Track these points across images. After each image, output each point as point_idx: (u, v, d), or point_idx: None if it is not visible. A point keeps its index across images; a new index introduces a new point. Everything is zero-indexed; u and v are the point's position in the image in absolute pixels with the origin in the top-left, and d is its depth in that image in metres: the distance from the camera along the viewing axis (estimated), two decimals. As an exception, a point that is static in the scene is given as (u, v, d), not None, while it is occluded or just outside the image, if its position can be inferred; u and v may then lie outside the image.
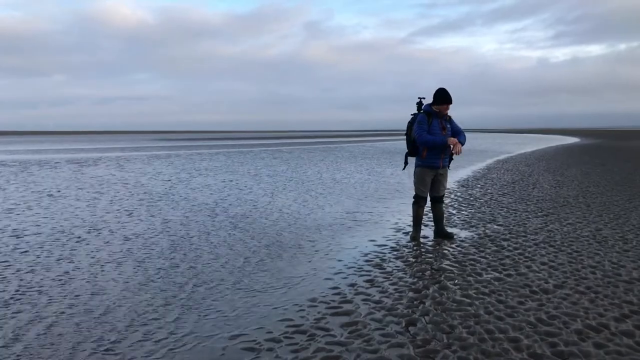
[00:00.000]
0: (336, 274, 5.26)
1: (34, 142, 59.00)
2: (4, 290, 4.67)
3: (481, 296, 4.47)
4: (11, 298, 4.48)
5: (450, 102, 6.49)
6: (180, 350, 3.50)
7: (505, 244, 6.42)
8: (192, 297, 4.55)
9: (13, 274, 5.20)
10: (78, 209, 9.27)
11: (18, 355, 3.38)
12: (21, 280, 5.00)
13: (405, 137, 6.91)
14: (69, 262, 5.66)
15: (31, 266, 5.48)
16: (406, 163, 6.92)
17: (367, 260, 5.74)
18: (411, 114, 6.78)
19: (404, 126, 6.86)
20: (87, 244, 6.54)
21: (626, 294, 4.48)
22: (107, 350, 3.48)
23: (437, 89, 6.55)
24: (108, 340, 3.64)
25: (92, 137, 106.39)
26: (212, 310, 4.22)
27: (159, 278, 5.11)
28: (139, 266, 5.53)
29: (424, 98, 6.73)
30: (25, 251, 6.13)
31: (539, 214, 8.60)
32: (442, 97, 6.48)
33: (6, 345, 3.54)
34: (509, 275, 5.06)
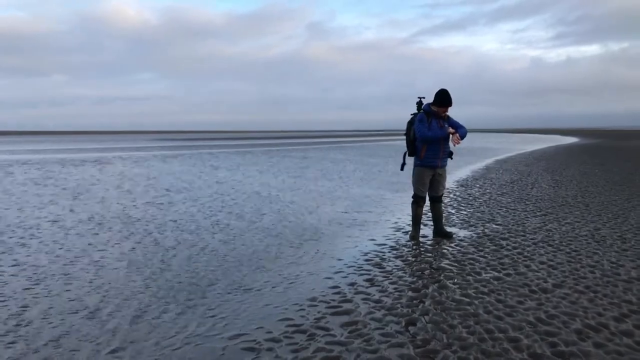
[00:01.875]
0: (336, 273, 5.26)
1: (41, 142, 59.03)
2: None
3: (480, 295, 4.48)
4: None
5: (450, 105, 6.49)
6: (180, 349, 3.50)
7: (504, 243, 6.43)
8: (191, 296, 4.55)
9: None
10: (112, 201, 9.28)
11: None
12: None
13: (405, 137, 6.90)
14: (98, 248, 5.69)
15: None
16: (404, 163, 6.88)
17: (366, 260, 5.74)
18: (411, 114, 6.78)
19: (404, 126, 6.85)
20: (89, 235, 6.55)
21: (625, 294, 4.49)
22: (107, 352, 3.49)
23: (439, 89, 6.53)
24: (106, 341, 3.65)
25: (95, 137, 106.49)
26: (212, 310, 4.23)
27: (157, 277, 5.12)
28: (137, 264, 5.54)
29: (424, 97, 6.73)
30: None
31: (538, 213, 8.61)
32: (443, 99, 6.46)
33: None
34: (508, 275, 5.07)
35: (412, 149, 6.73)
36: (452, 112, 6.67)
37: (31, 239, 6.81)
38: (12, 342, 3.60)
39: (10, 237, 6.87)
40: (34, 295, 4.58)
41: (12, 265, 5.50)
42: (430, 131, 6.44)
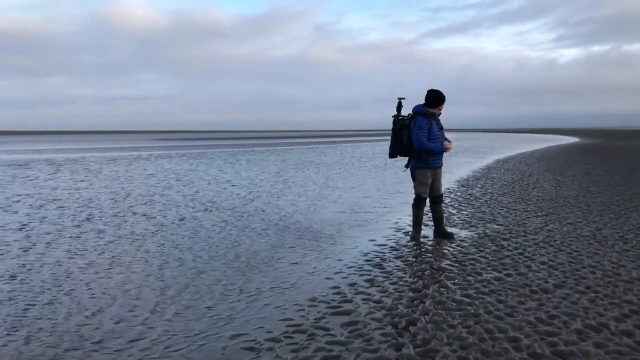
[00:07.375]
0: (336, 273, 5.26)
1: (41, 142, 59.20)
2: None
3: (481, 296, 4.47)
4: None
5: (445, 100, 6.49)
6: (180, 350, 3.50)
7: (505, 243, 6.42)
8: (191, 296, 4.55)
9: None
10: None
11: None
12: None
13: (393, 140, 6.59)
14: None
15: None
16: (408, 166, 6.73)
17: (367, 260, 5.74)
18: (392, 116, 6.54)
19: None
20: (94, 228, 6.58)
21: (626, 294, 4.48)
22: (97, 350, 3.49)
23: (430, 90, 6.46)
24: (94, 337, 3.65)
25: (108, 136, 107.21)
26: (212, 310, 4.23)
27: (157, 277, 5.13)
28: (137, 264, 5.55)
29: (403, 98, 6.54)
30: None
31: (539, 213, 8.60)
32: (440, 97, 6.43)
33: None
34: (508, 275, 5.06)
35: (411, 152, 6.52)
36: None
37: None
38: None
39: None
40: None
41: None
42: (433, 143, 6.40)
